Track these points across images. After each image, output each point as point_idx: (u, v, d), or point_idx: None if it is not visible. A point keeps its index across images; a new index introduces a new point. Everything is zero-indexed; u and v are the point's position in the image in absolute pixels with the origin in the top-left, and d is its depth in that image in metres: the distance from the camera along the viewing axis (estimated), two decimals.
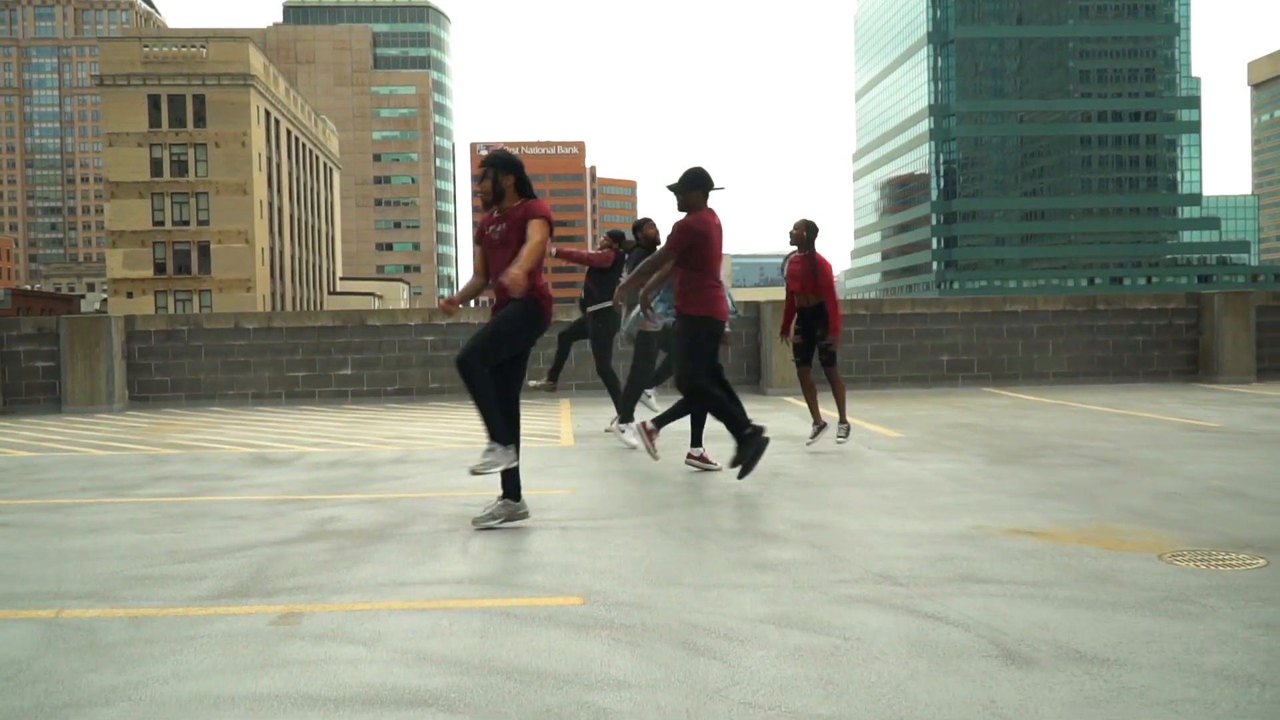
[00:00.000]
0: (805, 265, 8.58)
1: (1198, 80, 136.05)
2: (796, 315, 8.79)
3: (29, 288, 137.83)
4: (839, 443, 8.91)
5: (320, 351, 15.43)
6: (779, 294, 28.16)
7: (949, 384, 15.64)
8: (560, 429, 10.88)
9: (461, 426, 11.43)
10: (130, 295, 74.64)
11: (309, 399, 15.24)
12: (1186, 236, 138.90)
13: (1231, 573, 4.45)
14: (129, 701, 3.11)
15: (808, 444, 8.94)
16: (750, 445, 6.63)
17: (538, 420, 11.81)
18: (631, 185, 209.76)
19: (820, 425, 8.85)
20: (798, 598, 4.15)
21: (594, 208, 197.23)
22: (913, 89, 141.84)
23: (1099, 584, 4.29)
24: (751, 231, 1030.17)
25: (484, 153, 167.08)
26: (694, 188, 6.81)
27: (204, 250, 75.76)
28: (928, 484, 6.93)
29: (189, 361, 15.38)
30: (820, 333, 8.64)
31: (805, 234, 8.60)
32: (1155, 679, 3.16)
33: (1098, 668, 3.26)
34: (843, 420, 8.89)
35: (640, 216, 9.69)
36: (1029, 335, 15.71)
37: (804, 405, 10.88)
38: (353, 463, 8.59)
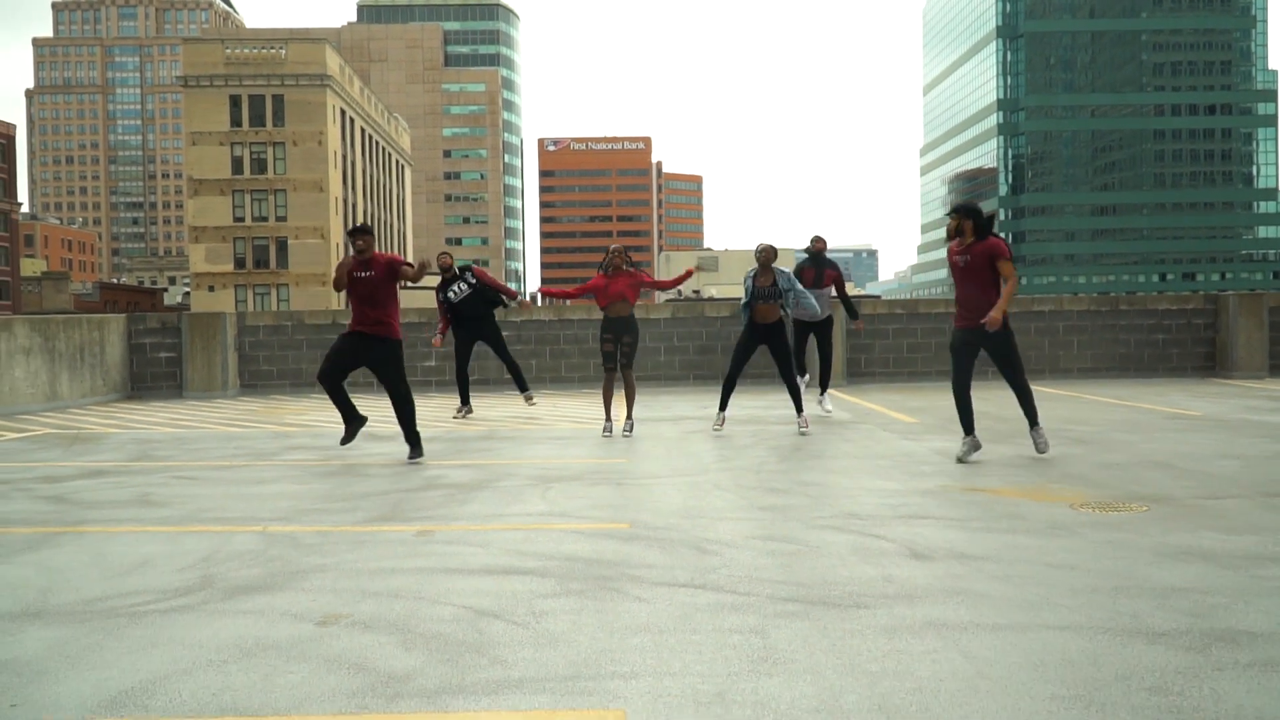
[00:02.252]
0: (625, 282, 10.23)
1: (1275, 73, 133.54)
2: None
3: (114, 281, 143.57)
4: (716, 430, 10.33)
5: (408, 344, 17.29)
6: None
7: (979, 378, 16.89)
8: (618, 414, 12.57)
9: (534, 412, 13.15)
10: (211, 289, 78.06)
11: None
12: (1262, 232, 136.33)
13: (1115, 515, 5.97)
14: (336, 571, 4.85)
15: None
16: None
17: (593, 407, 13.52)
18: (698, 180, 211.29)
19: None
20: (782, 526, 5.78)
21: (660, 203, 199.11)
22: (982, 83, 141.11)
23: (1007, 520, 5.85)
24: (818, 226, 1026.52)
25: (551, 148, 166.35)
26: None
27: (281, 245, 78.84)
28: (919, 457, 8.48)
29: (293, 353, 17.37)
30: (627, 338, 10.23)
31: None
32: (1007, 566, 4.73)
33: (971, 561, 4.85)
34: (629, 416, 10.38)
35: (813, 235, 12.25)
36: (1055, 333, 17.04)
37: (821, 410, 12.38)
38: (446, 439, 10.36)
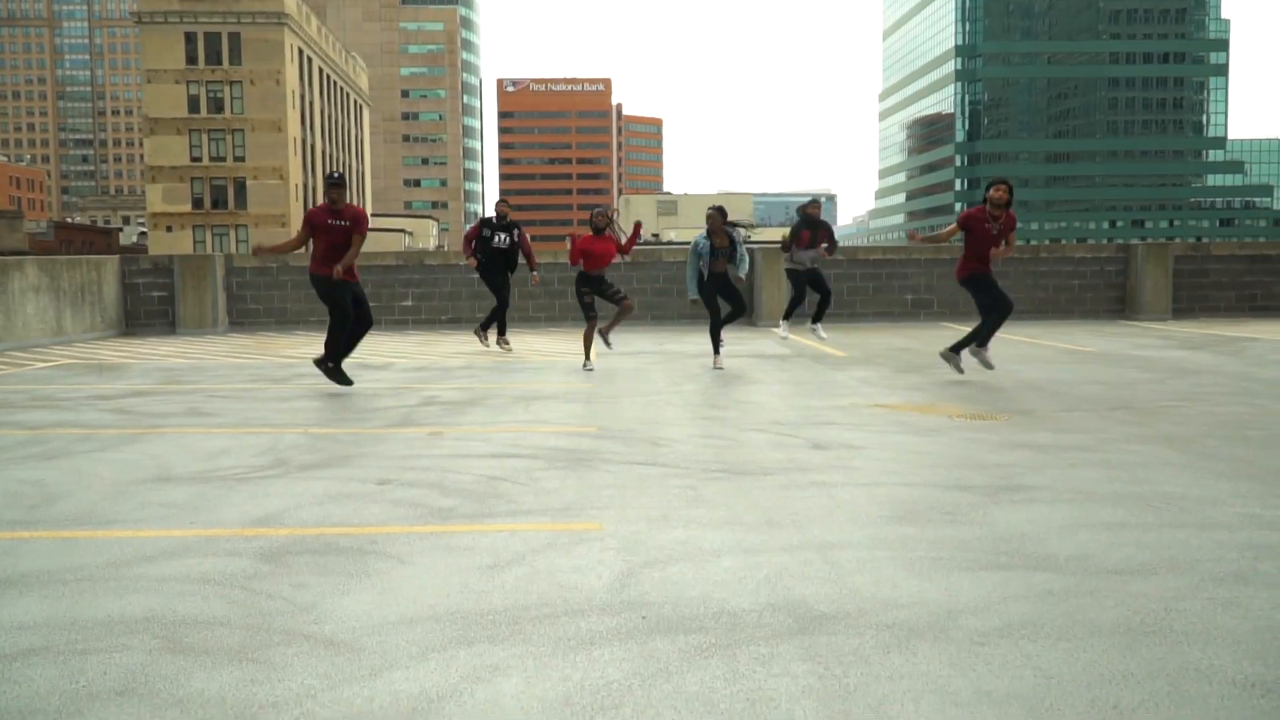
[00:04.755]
0: (612, 243, 11.44)
1: (1227, 23, 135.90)
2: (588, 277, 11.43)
3: (68, 220, 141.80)
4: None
5: (385, 286, 18.67)
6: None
7: (912, 319, 18.75)
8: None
9: (521, 344, 14.64)
10: (170, 229, 78.11)
11: (376, 326, 18.51)
12: (1211, 180, 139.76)
13: (981, 422, 7.62)
14: (375, 456, 6.37)
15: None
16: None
17: (566, 342, 15.02)
18: (658, 123, 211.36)
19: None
20: (719, 429, 7.36)
21: (620, 145, 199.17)
22: (940, 28, 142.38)
23: (895, 426, 7.48)
24: (777, 170, 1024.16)
25: (511, 89, 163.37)
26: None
27: (240, 186, 78.88)
28: (840, 383, 10.11)
29: (278, 293, 18.67)
30: (610, 288, 11.52)
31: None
32: (881, 452, 6.35)
33: (856, 450, 6.46)
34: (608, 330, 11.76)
35: (808, 200, 14.04)
36: None
37: (779, 333, 14.13)
38: (432, 368, 11.84)
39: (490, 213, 17.18)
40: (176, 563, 4.11)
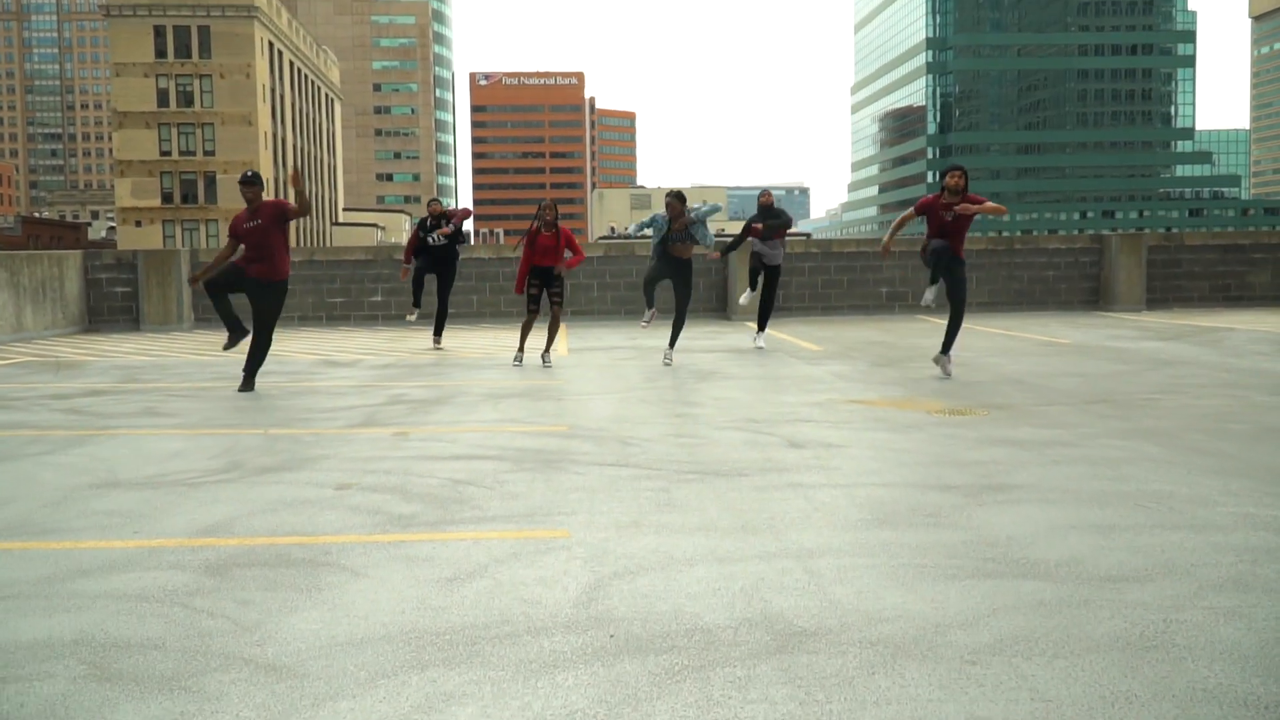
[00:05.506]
0: (559, 238, 11.20)
1: (1194, 14, 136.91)
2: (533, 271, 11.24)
3: (36, 215, 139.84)
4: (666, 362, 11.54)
5: (355, 281, 18.34)
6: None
7: (887, 312, 18.61)
8: (558, 345, 13.86)
9: (476, 344, 14.38)
10: (139, 224, 77.10)
11: (345, 321, 18.19)
12: (1180, 171, 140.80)
13: (960, 418, 7.44)
14: (336, 459, 6.11)
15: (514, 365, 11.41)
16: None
17: (535, 337, 14.79)
18: (631, 116, 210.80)
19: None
20: (693, 428, 7.15)
21: (593, 139, 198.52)
22: (911, 20, 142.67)
23: (873, 423, 7.28)
24: (750, 164, 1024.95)
25: (483, 83, 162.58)
26: None
27: (210, 181, 77.96)
28: (816, 378, 9.92)
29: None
30: (556, 288, 11.19)
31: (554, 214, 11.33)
32: (860, 451, 6.15)
33: (834, 449, 6.26)
34: (547, 350, 11.33)
35: (761, 190, 13.56)
36: None
37: (752, 327, 13.90)
38: (400, 365, 11.57)
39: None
40: (114, 578, 3.84)
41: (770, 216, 13.11)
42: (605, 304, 18.26)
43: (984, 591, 3.57)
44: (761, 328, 13.44)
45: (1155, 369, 10.09)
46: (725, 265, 18.16)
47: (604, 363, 11.49)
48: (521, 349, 11.58)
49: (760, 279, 13.27)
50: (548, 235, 11.12)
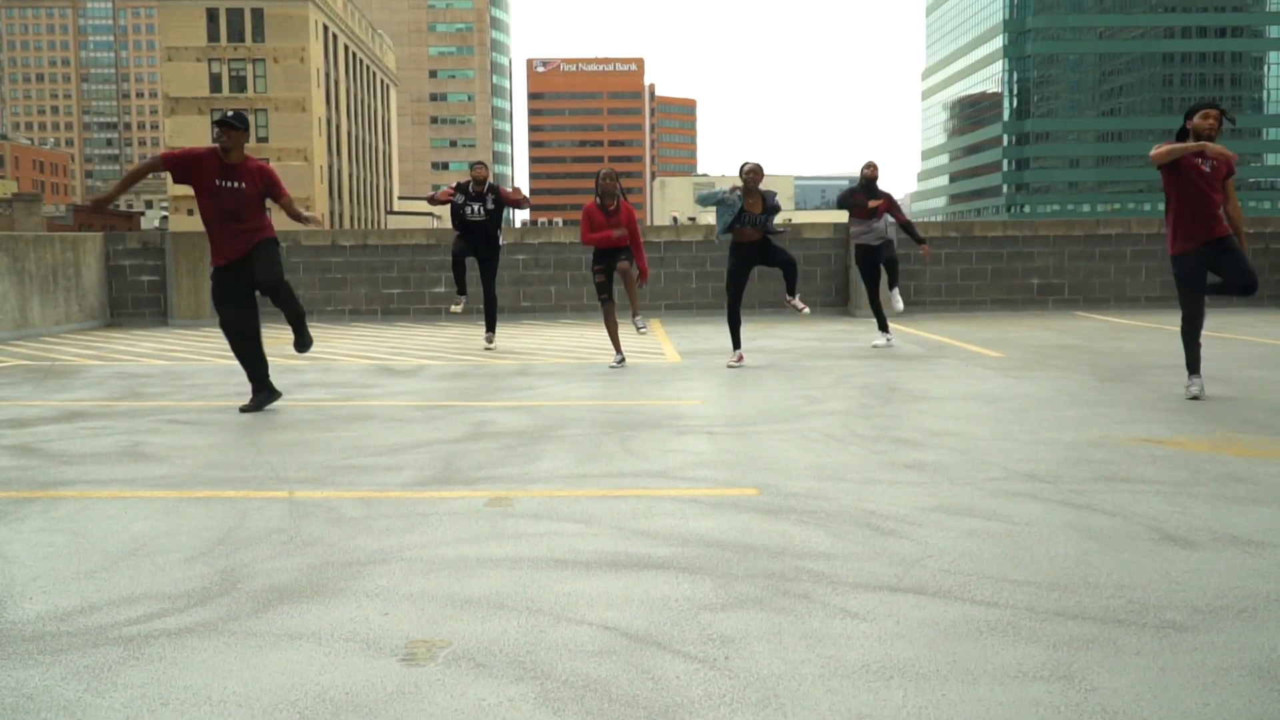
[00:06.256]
0: (625, 210, 9.24)
1: None
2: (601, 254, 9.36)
3: (89, 204, 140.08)
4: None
5: (415, 269, 15.90)
6: (839, 216, 28.15)
7: (1039, 307, 15.77)
8: (663, 348, 11.29)
9: (562, 344, 11.86)
10: (190, 213, 75.60)
11: (404, 315, 15.76)
12: (1271, 159, 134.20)
13: None
14: (403, 561, 3.58)
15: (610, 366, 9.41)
16: None
17: (632, 340, 12.23)
18: (691, 104, 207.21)
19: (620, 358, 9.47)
20: (951, 492, 4.53)
21: (652, 127, 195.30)
22: (987, 3, 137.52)
23: (1235, 484, 4.61)
24: (814, 153, 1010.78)
25: (541, 69, 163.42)
26: None
27: None
28: (1042, 399, 7.24)
29: (287, 278, 15.91)
30: (623, 258, 9.30)
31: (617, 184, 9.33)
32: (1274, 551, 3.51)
33: (1260, 549, 3.62)
34: (636, 314, 9.48)
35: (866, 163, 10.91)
36: (1122, 259, 15.73)
37: (898, 327, 11.18)
38: (474, 374, 9.07)
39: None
40: None
41: (875, 194, 10.62)
42: (706, 296, 15.64)
43: None
44: (884, 325, 10.92)
45: None
46: (845, 253, 15.47)
47: (737, 374, 8.89)
48: (618, 348, 9.48)
49: (881, 270, 10.87)
50: (604, 212, 9.24)
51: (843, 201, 10.78)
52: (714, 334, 12.54)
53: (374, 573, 3.46)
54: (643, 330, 9.46)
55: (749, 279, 9.49)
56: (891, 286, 10.91)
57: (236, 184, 6.66)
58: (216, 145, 6.70)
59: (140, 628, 2.97)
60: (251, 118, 75.16)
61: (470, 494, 4.59)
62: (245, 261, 6.83)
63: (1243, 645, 2.77)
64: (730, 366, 9.21)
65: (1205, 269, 6.99)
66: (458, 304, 11.41)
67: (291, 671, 2.64)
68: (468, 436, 6.00)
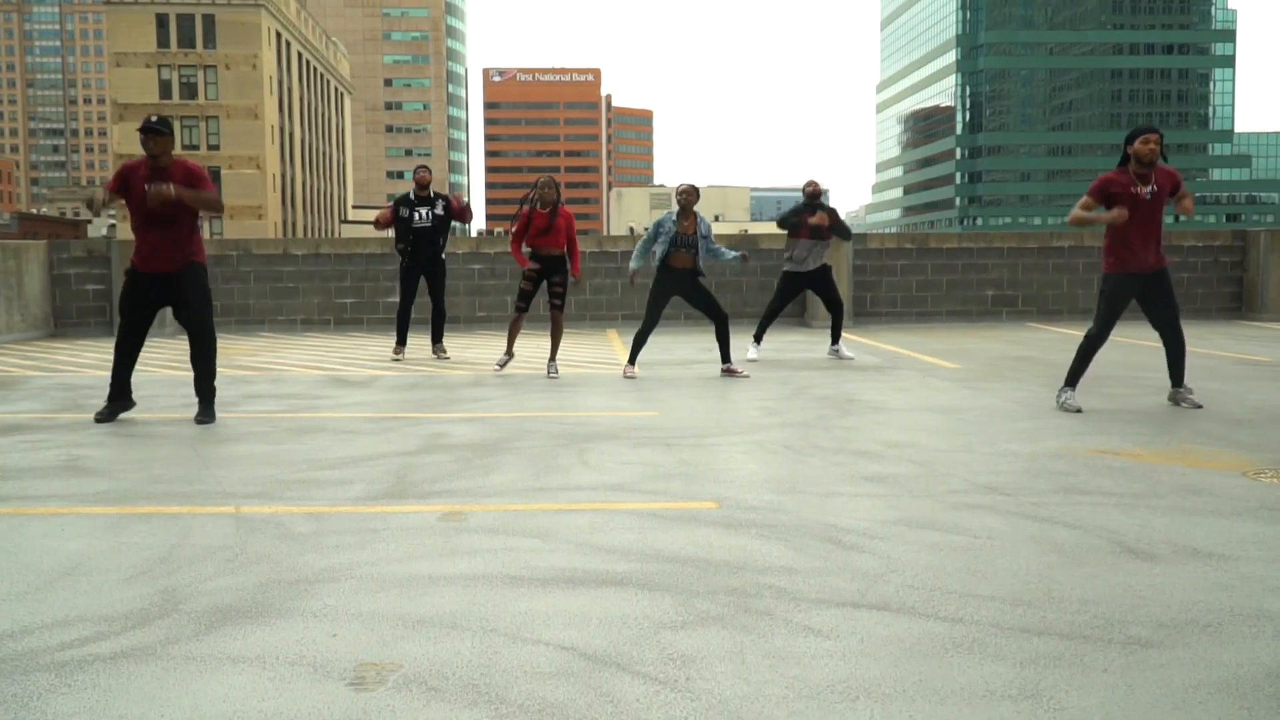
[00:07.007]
0: (551, 219, 9.15)
1: (1234, 13, 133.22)
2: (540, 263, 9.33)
3: (34, 212, 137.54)
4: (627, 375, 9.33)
5: (368, 279, 15.69)
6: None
7: (993, 319, 15.88)
8: (620, 358, 11.20)
9: (518, 354, 11.74)
10: None
11: (357, 325, 15.55)
12: (1216, 174, 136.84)
13: None
14: (352, 579, 3.46)
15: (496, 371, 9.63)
16: None
17: (588, 349, 12.12)
18: (648, 115, 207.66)
19: (509, 356, 9.72)
20: (911, 504, 4.49)
21: (609, 137, 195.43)
22: (940, 18, 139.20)
23: (1193, 496, 4.62)
24: (769, 164, 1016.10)
25: (497, 79, 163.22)
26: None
27: (214, 176, 75.32)
28: (999, 410, 7.25)
29: (238, 287, 15.66)
30: (558, 279, 9.30)
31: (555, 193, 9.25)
32: (1270, 569, 3.49)
33: (1220, 562, 3.60)
34: (552, 359, 9.47)
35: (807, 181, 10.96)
36: (1075, 271, 15.89)
37: (748, 357, 10.96)
38: (428, 385, 8.93)
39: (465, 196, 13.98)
40: None
41: (820, 210, 10.62)
42: (666, 309, 15.56)
43: None
44: (835, 338, 10.82)
45: None
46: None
47: (688, 381, 8.83)
48: (509, 351, 9.73)
49: (804, 296, 10.86)
50: (542, 215, 9.13)
51: (784, 222, 10.69)
52: (671, 344, 12.48)
53: (322, 591, 3.34)
54: (553, 376, 9.23)
55: (667, 304, 9.50)
56: (836, 340, 10.78)
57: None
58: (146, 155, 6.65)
59: (73, 652, 2.83)
60: (202, 125, 74.19)
61: (423, 508, 4.47)
62: (173, 281, 6.78)
63: (1210, 662, 2.74)
64: (626, 377, 9.13)
65: (1131, 298, 7.10)
66: (398, 353, 11.13)
67: (233, 698, 2.52)
68: (421, 449, 5.88)
